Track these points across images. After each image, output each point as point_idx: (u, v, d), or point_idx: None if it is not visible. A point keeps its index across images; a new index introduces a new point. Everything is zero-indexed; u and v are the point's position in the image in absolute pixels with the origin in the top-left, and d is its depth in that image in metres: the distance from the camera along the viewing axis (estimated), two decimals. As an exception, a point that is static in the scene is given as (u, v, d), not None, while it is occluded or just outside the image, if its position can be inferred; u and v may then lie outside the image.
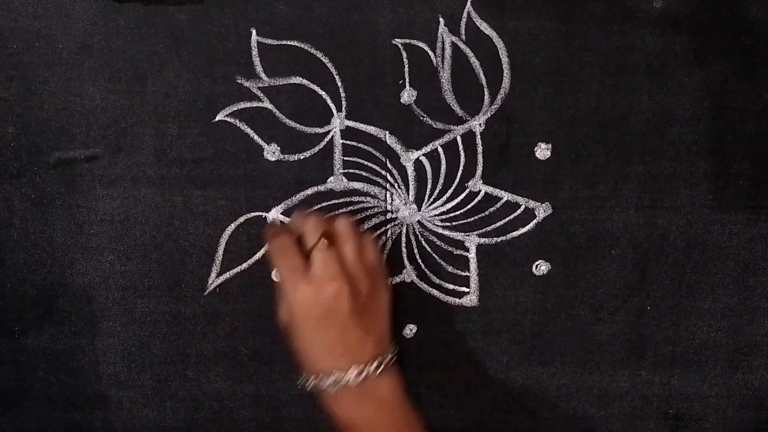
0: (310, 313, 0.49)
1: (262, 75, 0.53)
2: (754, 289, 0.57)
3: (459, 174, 0.55)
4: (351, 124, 0.54)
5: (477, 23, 0.52)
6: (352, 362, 0.49)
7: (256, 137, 0.54)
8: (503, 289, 0.57)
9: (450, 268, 0.57)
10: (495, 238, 0.56)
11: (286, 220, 0.55)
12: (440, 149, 0.55)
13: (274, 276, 0.56)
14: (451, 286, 0.57)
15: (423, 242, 0.57)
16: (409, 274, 0.57)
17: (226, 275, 0.57)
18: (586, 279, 0.57)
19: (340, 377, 0.49)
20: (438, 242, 0.57)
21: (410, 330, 0.58)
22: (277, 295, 0.53)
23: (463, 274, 0.57)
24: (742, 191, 0.55)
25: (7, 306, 0.57)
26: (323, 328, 0.49)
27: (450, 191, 0.56)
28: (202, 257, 0.56)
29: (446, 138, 0.55)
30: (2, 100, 0.53)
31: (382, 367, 0.50)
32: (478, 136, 0.55)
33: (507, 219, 0.56)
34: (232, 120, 0.54)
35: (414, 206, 0.56)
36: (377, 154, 0.55)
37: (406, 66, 0.53)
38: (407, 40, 0.53)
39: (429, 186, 0.56)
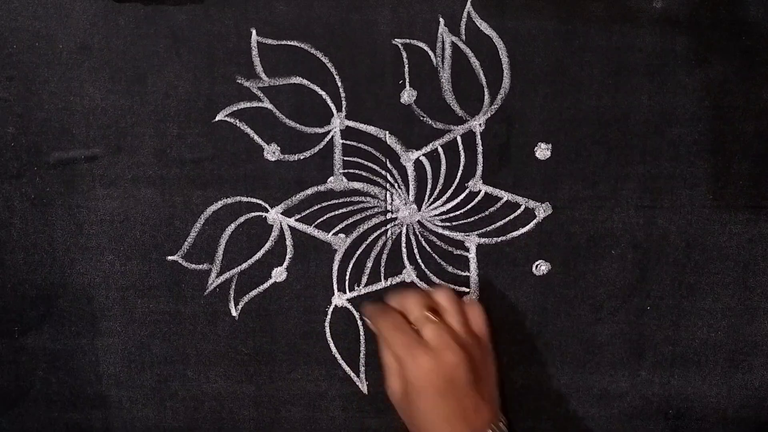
0: (430, 383, 0.49)
1: (262, 75, 0.53)
2: (754, 289, 0.57)
3: (459, 174, 0.55)
4: (351, 124, 0.54)
5: (477, 23, 0.52)
6: (469, 431, 0.50)
7: (256, 137, 0.54)
8: (503, 289, 0.57)
9: (450, 268, 0.57)
10: (495, 238, 0.56)
11: (288, 221, 0.55)
12: (440, 149, 0.55)
13: (383, 355, 0.53)
14: (451, 286, 0.57)
15: (423, 242, 0.57)
16: (409, 274, 0.57)
17: (226, 275, 0.57)
18: (586, 279, 0.57)
19: None
20: (438, 242, 0.57)
21: (410, 330, 0.58)
22: (386, 368, 0.52)
23: (463, 274, 0.57)
24: (742, 191, 0.55)
25: (7, 306, 0.57)
26: (443, 397, 0.50)
27: (450, 191, 0.56)
28: (202, 257, 0.56)
29: (446, 138, 0.55)
30: (2, 100, 0.53)
31: None
32: (478, 136, 0.55)
33: (507, 219, 0.56)
34: (232, 120, 0.54)
35: (414, 206, 0.56)
36: (377, 154, 0.55)
37: (406, 66, 0.53)
38: (407, 40, 0.53)
39: (429, 186, 0.56)
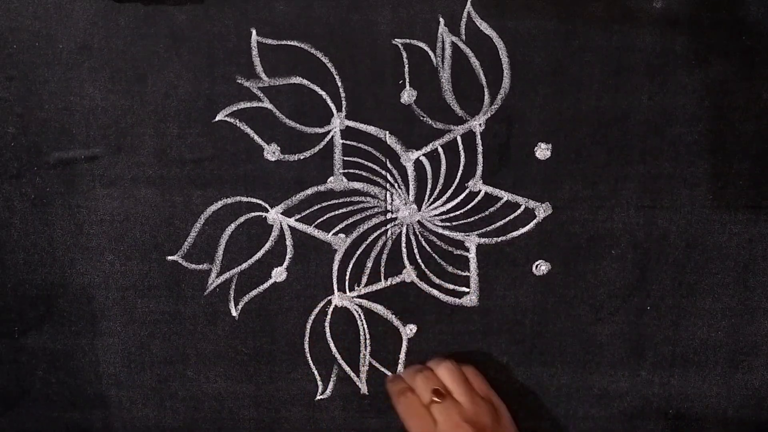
0: None
1: (262, 75, 0.53)
2: (754, 289, 0.57)
3: (459, 174, 0.55)
4: (351, 124, 0.54)
5: (477, 23, 0.52)
6: None
7: (256, 137, 0.54)
8: (503, 289, 0.57)
9: (450, 268, 0.57)
10: (495, 238, 0.56)
11: (288, 221, 0.55)
12: (440, 149, 0.55)
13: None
14: (451, 286, 0.57)
15: (423, 242, 0.57)
16: (409, 274, 0.57)
17: (226, 275, 0.57)
18: (586, 279, 0.57)
19: None
20: (438, 242, 0.57)
21: (410, 330, 0.58)
22: None
23: (463, 274, 0.57)
24: (742, 191, 0.55)
25: (7, 306, 0.57)
26: None
27: (450, 191, 0.56)
28: (202, 257, 0.56)
29: (446, 138, 0.55)
30: (2, 100, 0.53)
31: None
32: (478, 136, 0.55)
33: (507, 219, 0.56)
34: (232, 120, 0.54)
35: (414, 206, 0.56)
36: (377, 154, 0.55)
37: (406, 66, 0.53)
38: (407, 40, 0.53)
39: (429, 186, 0.56)
